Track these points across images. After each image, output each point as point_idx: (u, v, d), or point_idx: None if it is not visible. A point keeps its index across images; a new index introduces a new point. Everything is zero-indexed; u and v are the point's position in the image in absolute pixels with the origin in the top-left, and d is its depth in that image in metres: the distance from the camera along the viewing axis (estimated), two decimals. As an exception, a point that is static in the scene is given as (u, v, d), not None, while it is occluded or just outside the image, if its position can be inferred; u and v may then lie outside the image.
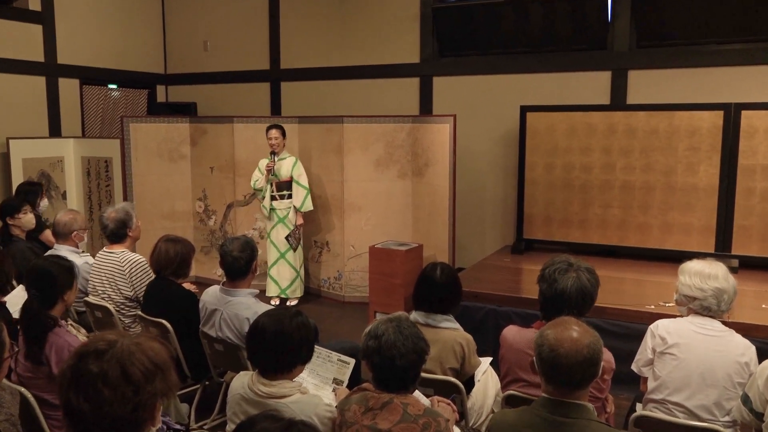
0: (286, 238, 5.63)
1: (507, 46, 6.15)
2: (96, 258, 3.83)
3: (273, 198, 5.63)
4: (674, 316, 2.73)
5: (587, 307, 2.52)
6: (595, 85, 5.82)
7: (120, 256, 3.73)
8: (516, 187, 5.87)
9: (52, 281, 2.74)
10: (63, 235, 4.00)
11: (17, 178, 6.03)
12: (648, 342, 2.68)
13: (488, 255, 5.85)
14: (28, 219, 4.67)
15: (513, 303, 4.28)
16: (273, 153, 5.55)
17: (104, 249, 3.83)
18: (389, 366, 2.09)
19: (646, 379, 2.69)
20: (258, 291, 3.25)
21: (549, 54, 6.00)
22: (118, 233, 3.80)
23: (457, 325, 2.88)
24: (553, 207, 5.64)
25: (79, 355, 1.36)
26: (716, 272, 2.62)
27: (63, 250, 3.86)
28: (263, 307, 3.01)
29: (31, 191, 5.14)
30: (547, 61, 6.00)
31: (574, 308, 2.45)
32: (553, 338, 1.91)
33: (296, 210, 5.62)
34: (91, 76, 7.14)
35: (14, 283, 3.43)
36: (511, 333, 2.65)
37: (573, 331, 1.92)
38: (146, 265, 3.69)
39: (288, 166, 5.61)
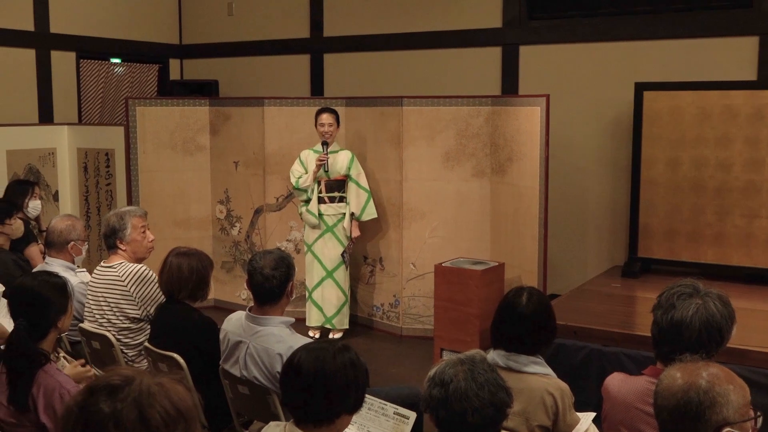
0: (342, 254, 5.73)
1: (618, 3, 6.07)
2: (93, 276, 3.98)
3: (320, 200, 5.72)
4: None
5: (714, 346, 2.46)
6: (736, 54, 5.68)
7: (118, 268, 3.86)
8: (629, 190, 5.78)
9: (44, 306, 2.80)
10: (57, 245, 4.14)
11: (0, 175, 6.31)
12: None
13: (591, 278, 5.79)
14: (17, 226, 4.88)
15: (624, 342, 4.22)
16: (325, 143, 5.64)
17: (101, 264, 3.99)
18: (459, 422, 2.09)
19: None
20: (293, 320, 3.30)
21: (674, 14, 5.89)
22: (106, 242, 4.01)
23: (549, 370, 2.86)
24: (678, 216, 5.53)
25: (90, 390, 1.42)
26: None
27: (56, 265, 4.01)
28: (300, 340, 3.05)
29: (20, 190, 5.37)
30: (671, 23, 5.89)
31: (697, 346, 2.40)
32: (666, 377, 1.91)
33: (353, 219, 5.70)
34: (90, 49, 7.42)
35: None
36: (616, 383, 2.62)
37: (700, 377, 1.88)
38: (153, 276, 3.80)
39: (343, 161, 5.70)
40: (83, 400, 1.40)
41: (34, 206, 5.40)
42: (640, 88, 5.59)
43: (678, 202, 5.53)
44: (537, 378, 2.79)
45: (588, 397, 3.71)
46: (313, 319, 5.79)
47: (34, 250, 5.05)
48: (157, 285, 3.77)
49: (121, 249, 3.96)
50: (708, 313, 2.44)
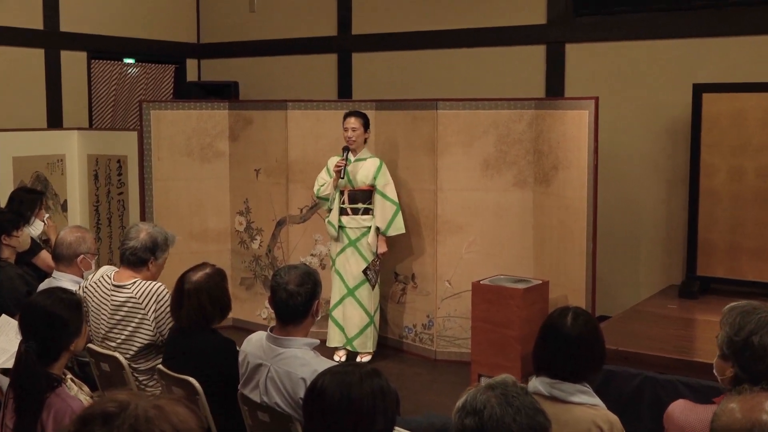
0: (364, 271, 5.72)
1: (674, -2, 6.06)
2: (91, 290, 3.93)
3: (343, 212, 5.74)
4: None
5: None
6: (806, 53, 5.63)
7: (132, 288, 3.83)
8: (686, 202, 5.74)
9: (58, 327, 2.81)
10: (66, 259, 4.18)
11: (6, 183, 6.40)
12: None
13: (644, 299, 5.74)
14: (24, 238, 4.97)
15: (682, 369, 4.17)
16: (347, 149, 5.66)
17: (104, 277, 3.93)
18: (498, 453, 2.08)
19: None
20: (318, 341, 3.31)
21: (736, 8, 5.85)
22: (137, 255, 3.88)
23: (597, 400, 2.83)
24: (742, 231, 5.47)
25: (83, 419, 1.43)
26: None
27: (64, 280, 4.04)
28: (325, 364, 3.05)
29: (28, 201, 5.46)
30: (732, 18, 5.85)
31: None
32: (723, 413, 1.91)
33: (379, 233, 5.70)
34: (101, 48, 7.53)
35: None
36: (681, 411, 2.61)
37: (762, 411, 1.88)
38: (168, 294, 3.78)
39: (369, 170, 5.71)
40: (77, 431, 1.42)
41: (35, 226, 5.47)
42: (699, 89, 5.54)
43: (741, 216, 5.47)
44: (584, 409, 2.76)
45: (642, 429, 3.67)
46: (335, 339, 5.78)
47: (44, 255, 5.12)
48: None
49: (146, 269, 3.94)
50: None
